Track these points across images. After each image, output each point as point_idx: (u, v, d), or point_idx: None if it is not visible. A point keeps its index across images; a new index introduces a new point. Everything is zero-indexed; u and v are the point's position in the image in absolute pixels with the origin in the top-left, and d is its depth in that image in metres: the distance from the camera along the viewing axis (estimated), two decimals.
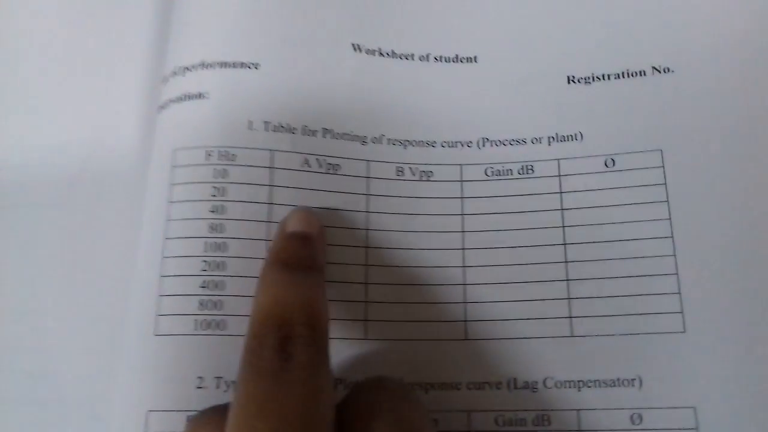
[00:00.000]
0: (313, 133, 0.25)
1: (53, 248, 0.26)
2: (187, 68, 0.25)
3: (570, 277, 0.24)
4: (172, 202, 0.24)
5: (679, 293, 0.23)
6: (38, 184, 0.27)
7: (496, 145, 0.25)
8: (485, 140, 0.25)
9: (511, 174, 0.25)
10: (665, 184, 0.24)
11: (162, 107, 0.25)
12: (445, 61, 0.26)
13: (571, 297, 0.24)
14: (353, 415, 0.19)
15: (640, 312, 0.23)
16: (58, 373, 0.24)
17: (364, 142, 0.25)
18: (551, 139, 0.25)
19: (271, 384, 0.18)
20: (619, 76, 0.25)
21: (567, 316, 0.23)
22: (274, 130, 0.24)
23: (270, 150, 0.24)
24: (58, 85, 0.28)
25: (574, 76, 0.26)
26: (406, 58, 0.26)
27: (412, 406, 0.19)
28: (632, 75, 0.25)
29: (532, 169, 0.25)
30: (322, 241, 0.23)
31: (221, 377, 0.22)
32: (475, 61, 0.26)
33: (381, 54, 0.26)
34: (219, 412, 0.19)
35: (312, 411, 0.17)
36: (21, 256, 0.26)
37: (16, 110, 0.28)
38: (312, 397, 0.18)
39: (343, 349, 0.23)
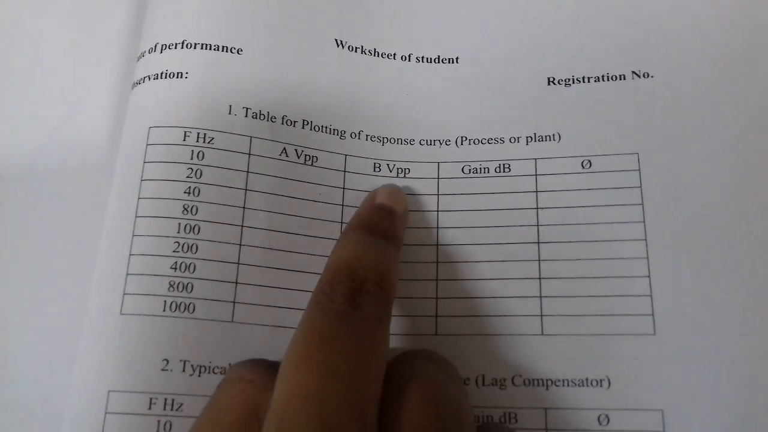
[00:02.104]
0: (293, 123, 0.25)
1: (14, 222, 0.25)
2: (167, 46, 0.25)
3: (543, 276, 0.24)
4: (144, 180, 0.23)
5: (650, 295, 0.23)
6: (1, 156, 0.26)
7: (474, 143, 0.25)
8: (463, 138, 0.25)
9: (488, 172, 0.25)
10: (641, 187, 0.24)
11: (137, 83, 0.25)
12: (427, 61, 0.26)
13: (543, 295, 0.23)
14: (397, 376, 0.19)
15: (611, 313, 0.23)
16: (14, 350, 0.24)
17: (342, 137, 0.25)
18: (529, 139, 0.25)
19: (336, 323, 0.18)
20: (598, 80, 0.25)
21: (538, 314, 0.23)
22: (254, 117, 0.24)
23: (249, 136, 0.24)
24: (29, 57, 0.28)
25: (554, 78, 0.26)
26: (388, 57, 0.26)
27: (454, 381, 0.20)
28: (612, 79, 0.25)
29: (509, 168, 0.25)
30: (405, 220, 0.24)
31: (187, 361, 0.22)
32: (457, 62, 0.26)
33: (363, 52, 0.26)
34: (262, 361, 0.20)
35: (368, 358, 0.18)
36: None
37: None
38: (370, 346, 0.18)
39: None
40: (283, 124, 0.25)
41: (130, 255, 0.23)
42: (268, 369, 0.19)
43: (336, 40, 0.26)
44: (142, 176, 0.23)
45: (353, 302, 0.19)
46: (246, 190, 0.24)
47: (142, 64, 0.25)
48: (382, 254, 0.21)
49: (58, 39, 0.28)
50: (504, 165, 0.25)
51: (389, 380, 0.19)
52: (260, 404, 0.18)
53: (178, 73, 0.25)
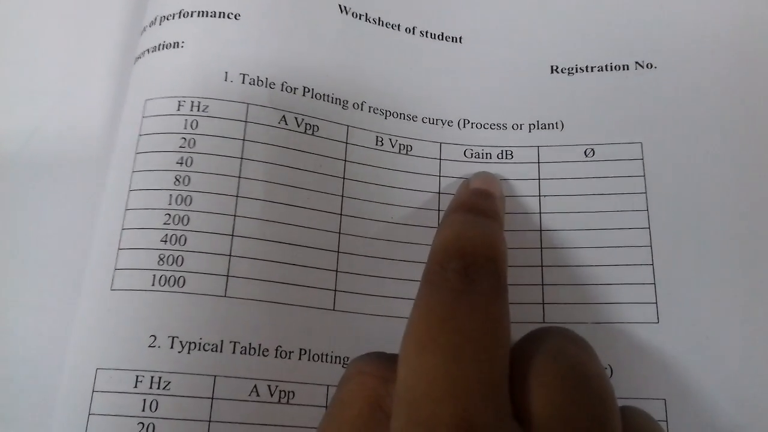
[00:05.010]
0: (293, 90, 0.25)
1: (9, 199, 0.26)
2: (165, 17, 0.25)
3: (545, 263, 0.24)
4: (138, 152, 0.24)
5: (653, 284, 0.24)
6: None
7: (477, 127, 0.26)
8: (466, 121, 0.26)
9: (490, 158, 0.26)
10: (644, 175, 0.25)
11: (138, 58, 0.26)
12: (431, 37, 0.27)
13: (545, 283, 0.24)
14: (529, 353, 0.19)
15: (614, 301, 0.24)
16: (7, 329, 0.24)
17: (345, 107, 0.25)
18: (532, 126, 0.26)
19: (454, 301, 0.18)
20: (602, 69, 0.27)
21: (540, 302, 0.24)
22: (252, 84, 0.24)
23: (246, 103, 0.24)
24: (30, 34, 0.28)
25: (557, 66, 0.27)
26: (393, 28, 0.27)
27: (592, 358, 0.19)
28: (615, 68, 0.26)
29: (511, 155, 0.26)
30: (503, 203, 0.24)
31: (176, 337, 0.22)
32: (460, 42, 0.27)
33: (367, 19, 0.27)
34: (379, 353, 0.20)
35: (491, 336, 0.18)
36: None
37: None
38: (492, 323, 0.18)
39: (310, 317, 0.23)
40: (282, 90, 0.25)
41: (122, 230, 0.23)
42: (386, 361, 0.19)
43: (340, 5, 0.27)
44: (136, 149, 0.24)
45: (467, 278, 0.19)
46: (242, 158, 0.24)
47: (143, 39, 0.26)
48: (487, 229, 0.21)
49: (59, 13, 0.29)
50: (506, 152, 0.26)
51: (519, 358, 0.18)
52: (382, 395, 0.18)
53: (174, 43, 0.25)
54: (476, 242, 0.20)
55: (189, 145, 0.23)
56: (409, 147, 0.26)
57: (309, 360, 0.22)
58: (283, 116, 0.25)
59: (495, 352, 0.18)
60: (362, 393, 0.18)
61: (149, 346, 0.21)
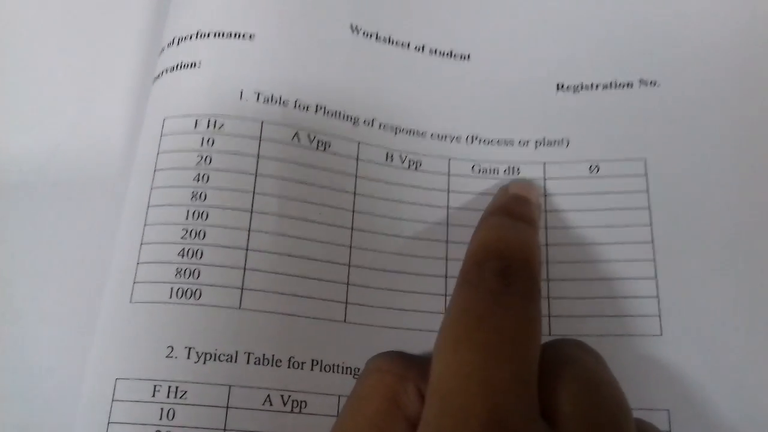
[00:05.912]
0: (306, 108, 0.26)
1: (31, 214, 0.27)
2: (183, 38, 0.26)
3: (551, 277, 0.25)
4: (157, 170, 0.25)
5: (657, 297, 0.25)
6: (20, 153, 0.28)
7: (485, 143, 0.27)
8: (474, 137, 0.27)
9: (498, 173, 0.27)
10: (647, 191, 0.26)
11: (157, 77, 0.27)
12: (440, 54, 0.28)
13: (550, 296, 0.25)
14: (549, 358, 0.20)
15: (619, 314, 0.25)
16: (30, 340, 0.25)
17: (356, 123, 0.27)
18: (538, 143, 0.27)
19: (491, 302, 0.19)
20: (606, 87, 0.28)
21: (546, 315, 0.25)
22: (266, 102, 0.26)
23: (260, 121, 0.25)
24: (50, 55, 0.30)
25: (563, 84, 0.28)
26: (402, 46, 0.28)
27: (604, 367, 0.21)
28: (619, 86, 0.27)
29: (518, 171, 0.27)
30: (540, 209, 0.26)
31: (192, 348, 0.23)
32: (468, 59, 0.28)
33: (378, 38, 0.28)
34: (399, 353, 0.21)
35: (526, 337, 0.19)
36: None
37: None
38: (527, 324, 0.19)
39: (321, 329, 0.24)
40: (295, 108, 0.26)
41: (142, 244, 0.24)
42: (404, 360, 0.20)
43: (351, 24, 0.28)
44: (155, 167, 0.25)
45: (504, 279, 0.20)
46: (256, 175, 0.25)
47: (161, 59, 0.27)
48: (524, 234, 0.22)
49: (80, 33, 0.30)
50: (513, 167, 0.27)
51: (541, 362, 0.19)
52: (399, 392, 0.19)
53: (191, 63, 0.26)
54: (513, 245, 0.21)
55: (205, 162, 0.25)
56: (418, 162, 0.27)
57: (321, 370, 0.23)
58: (296, 133, 0.26)
59: (529, 352, 0.19)
60: (380, 389, 0.19)
61: (167, 357, 0.22)
